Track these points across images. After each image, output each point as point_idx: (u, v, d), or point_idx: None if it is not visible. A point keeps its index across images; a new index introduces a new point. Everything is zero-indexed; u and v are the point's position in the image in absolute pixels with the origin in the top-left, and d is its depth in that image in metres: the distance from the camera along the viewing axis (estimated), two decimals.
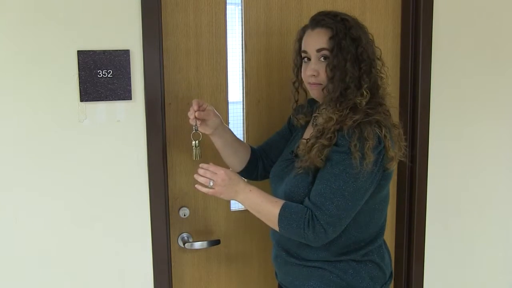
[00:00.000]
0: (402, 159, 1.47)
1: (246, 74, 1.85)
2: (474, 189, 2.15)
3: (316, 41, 1.45)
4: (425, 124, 2.01)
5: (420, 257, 2.11)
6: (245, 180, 1.51)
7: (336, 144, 1.36)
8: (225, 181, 1.45)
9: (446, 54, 2.00)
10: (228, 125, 1.85)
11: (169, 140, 1.78)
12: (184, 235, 1.85)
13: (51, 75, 1.59)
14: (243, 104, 1.88)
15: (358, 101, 1.38)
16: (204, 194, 1.76)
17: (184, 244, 1.80)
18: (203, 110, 1.58)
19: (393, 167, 1.39)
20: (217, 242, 1.82)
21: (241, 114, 1.89)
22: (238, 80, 1.88)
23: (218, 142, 1.66)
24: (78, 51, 1.59)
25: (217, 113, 1.63)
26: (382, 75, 1.47)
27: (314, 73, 1.45)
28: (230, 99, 1.85)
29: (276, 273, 1.64)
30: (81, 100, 1.62)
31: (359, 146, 1.32)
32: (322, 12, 1.49)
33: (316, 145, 1.39)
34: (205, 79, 1.80)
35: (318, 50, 1.44)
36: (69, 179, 1.65)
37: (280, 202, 1.42)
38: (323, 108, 1.48)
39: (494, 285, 2.27)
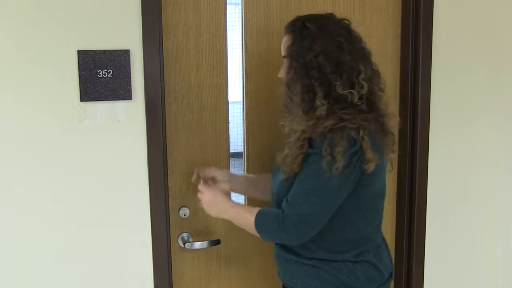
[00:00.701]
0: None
1: (246, 74, 1.85)
2: (475, 190, 2.15)
3: (282, 48, 1.52)
4: (425, 125, 2.01)
5: (420, 259, 2.10)
6: (229, 199, 1.61)
7: (311, 146, 1.40)
8: (209, 201, 1.60)
9: (446, 54, 2.00)
10: (228, 125, 1.86)
11: (169, 140, 1.78)
12: (184, 235, 1.84)
13: (51, 75, 1.59)
14: (243, 104, 1.88)
15: (318, 112, 1.39)
16: None
17: (184, 244, 1.80)
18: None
19: (371, 168, 1.38)
20: (217, 242, 1.82)
21: (241, 114, 1.89)
22: (238, 80, 1.89)
23: (238, 189, 1.74)
24: (78, 51, 1.59)
25: (219, 169, 1.74)
26: (362, 82, 1.43)
27: (281, 76, 1.53)
28: (230, 99, 1.85)
29: (278, 272, 1.65)
30: (81, 100, 1.62)
31: (330, 150, 1.34)
32: (296, 17, 1.51)
33: (290, 154, 1.44)
34: (205, 79, 1.80)
35: (283, 57, 1.51)
36: (69, 179, 1.65)
37: (256, 210, 1.49)
38: (288, 116, 1.51)
39: (494, 287, 2.27)
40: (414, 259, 2.09)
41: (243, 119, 1.89)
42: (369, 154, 1.36)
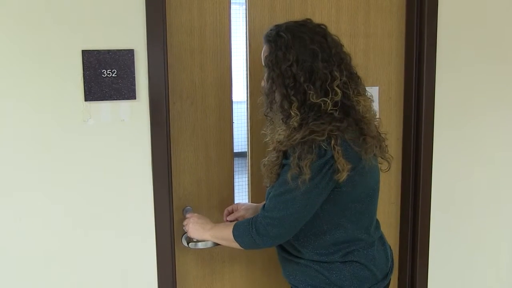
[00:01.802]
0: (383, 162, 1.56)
1: (250, 74, 1.85)
2: (480, 188, 2.15)
3: (262, 58, 1.53)
4: (429, 124, 2.01)
5: (424, 257, 2.10)
6: (210, 221, 1.69)
7: (285, 157, 1.44)
8: (193, 225, 1.68)
9: (451, 53, 2.00)
10: (232, 125, 1.86)
11: (173, 139, 1.79)
12: None
13: (55, 75, 1.59)
14: (247, 104, 1.88)
15: (291, 123, 1.42)
16: (208, 193, 1.83)
17: (188, 244, 1.80)
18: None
19: (343, 178, 1.38)
20: None
21: (245, 113, 1.89)
22: (242, 80, 1.88)
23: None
24: (82, 51, 1.59)
25: (236, 207, 1.82)
26: (336, 89, 1.43)
27: (262, 85, 1.54)
28: (234, 98, 1.85)
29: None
30: (86, 100, 1.62)
31: (297, 162, 1.37)
32: (272, 26, 1.51)
33: (267, 164, 1.50)
34: (210, 78, 1.80)
35: (264, 66, 1.52)
36: (73, 179, 1.65)
37: (233, 223, 1.56)
38: (269, 126, 1.55)
39: (499, 285, 2.27)
40: (418, 257, 2.09)
41: (247, 119, 1.89)
42: (341, 163, 1.37)
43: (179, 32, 1.75)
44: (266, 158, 1.52)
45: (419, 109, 2.00)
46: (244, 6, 1.83)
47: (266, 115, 1.54)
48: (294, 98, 1.42)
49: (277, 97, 1.46)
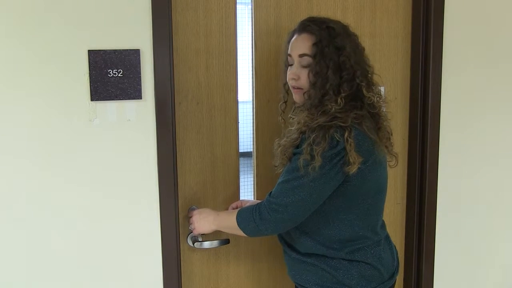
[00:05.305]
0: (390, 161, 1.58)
1: (255, 74, 1.85)
2: (485, 188, 2.14)
3: (300, 46, 1.51)
4: (435, 124, 2.00)
5: (430, 258, 2.10)
6: (214, 211, 1.71)
7: (298, 146, 1.44)
8: (197, 222, 1.70)
9: (457, 53, 1.99)
10: (238, 125, 1.86)
11: (179, 139, 1.79)
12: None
13: (62, 75, 1.60)
14: (252, 104, 1.88)
15: (331, 107, 1.43)
16: (213, 193, 1.82)
17: (193, 244, 1.80)
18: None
19: (353, 171, 1.39)
20: (226, 241, 1.82)
21: (251, 113, 1.89)
22: (247, 80, 1.89)
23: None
24: (88, 51, 1.60)
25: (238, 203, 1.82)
26: (374, 83, 1.52)
27: (295, 77, 1.53)
28: (239, 98, 1.85)
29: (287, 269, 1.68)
30: (92, 100, 1.63)
31: (310, 149, 1.38)
32: (311, 17, 1.54)
33: (282, 145, 1.50)
34: (215, 78, 1.81)
35: (301, 55, 1.51)
36: (79, 179, 1.66)
37: (236, 210, 1.58)
38: (301, 110, 1.54)
39: (506, 286, 2.26)
40: (424, 257, 2.09)
41: (253, 119, 1.89)
42: (353, 156, 1.38)
43: (185, 32, 1.75)
44: (284, 138, 1.51)
45: (425, 109, 1.99)
46: (249, 6, 1.83)
47: (304, 104, 1.52)
48: (345, 89, 1.44)
49: (328, 86, 1.44)
